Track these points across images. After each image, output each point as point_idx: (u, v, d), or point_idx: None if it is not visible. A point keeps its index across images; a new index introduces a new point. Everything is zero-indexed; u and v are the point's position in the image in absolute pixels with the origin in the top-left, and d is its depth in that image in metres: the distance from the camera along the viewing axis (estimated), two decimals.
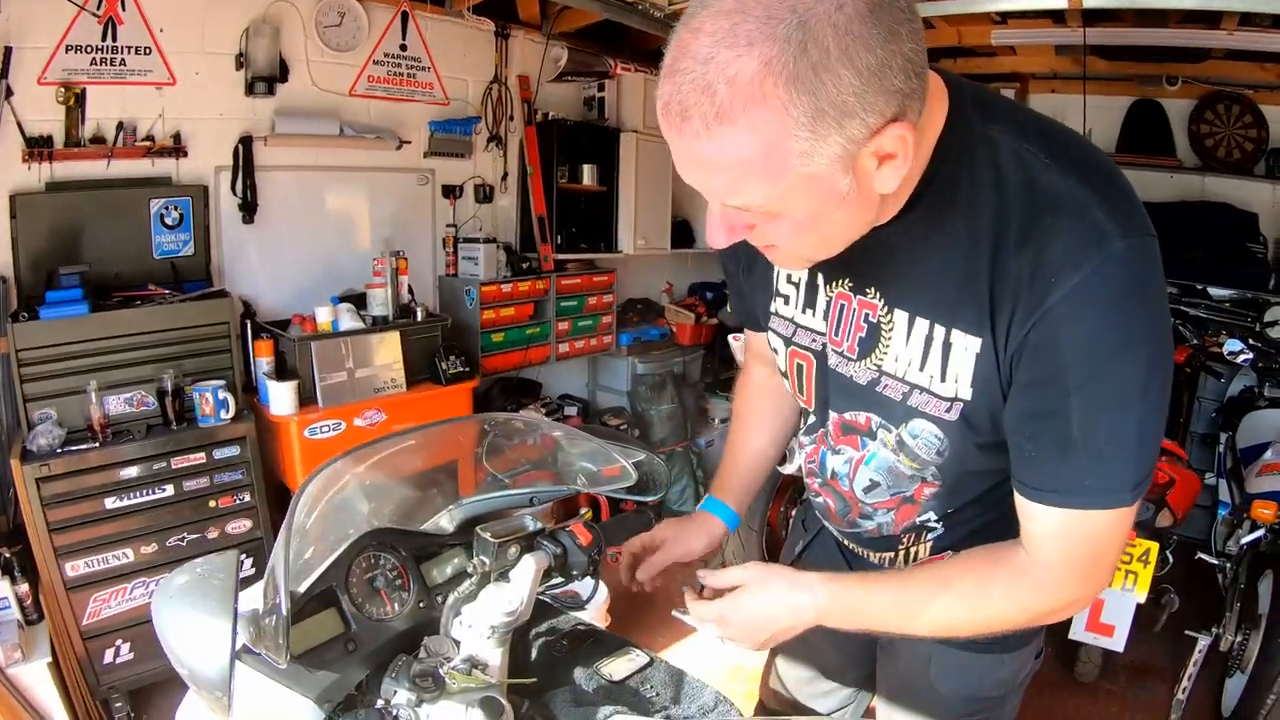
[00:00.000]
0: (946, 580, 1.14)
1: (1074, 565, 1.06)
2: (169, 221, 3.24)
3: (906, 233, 1.03)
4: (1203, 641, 2.92)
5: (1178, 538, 3.32)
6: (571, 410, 4.73)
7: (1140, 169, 5.25)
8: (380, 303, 3.61)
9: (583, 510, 1.48)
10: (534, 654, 1.40)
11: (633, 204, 4.86)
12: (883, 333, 1.12)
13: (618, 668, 1.37)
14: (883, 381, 1.15)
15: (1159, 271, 0.94)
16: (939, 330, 1.05)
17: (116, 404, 2.91)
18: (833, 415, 1.28)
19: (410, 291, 3.79)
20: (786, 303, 1.30)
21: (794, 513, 3.90)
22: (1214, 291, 4.97)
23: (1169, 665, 3.42)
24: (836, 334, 1.19)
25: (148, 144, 3.21)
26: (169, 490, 2.93)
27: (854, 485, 1.31)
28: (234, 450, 3.05)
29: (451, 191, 4.36)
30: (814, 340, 1.26)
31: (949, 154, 0.97)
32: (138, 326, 2.93)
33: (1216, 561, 3.36)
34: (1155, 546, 2.79)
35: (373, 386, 3.46)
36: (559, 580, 1.35)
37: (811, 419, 1.38)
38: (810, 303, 1.25)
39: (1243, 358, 3.95)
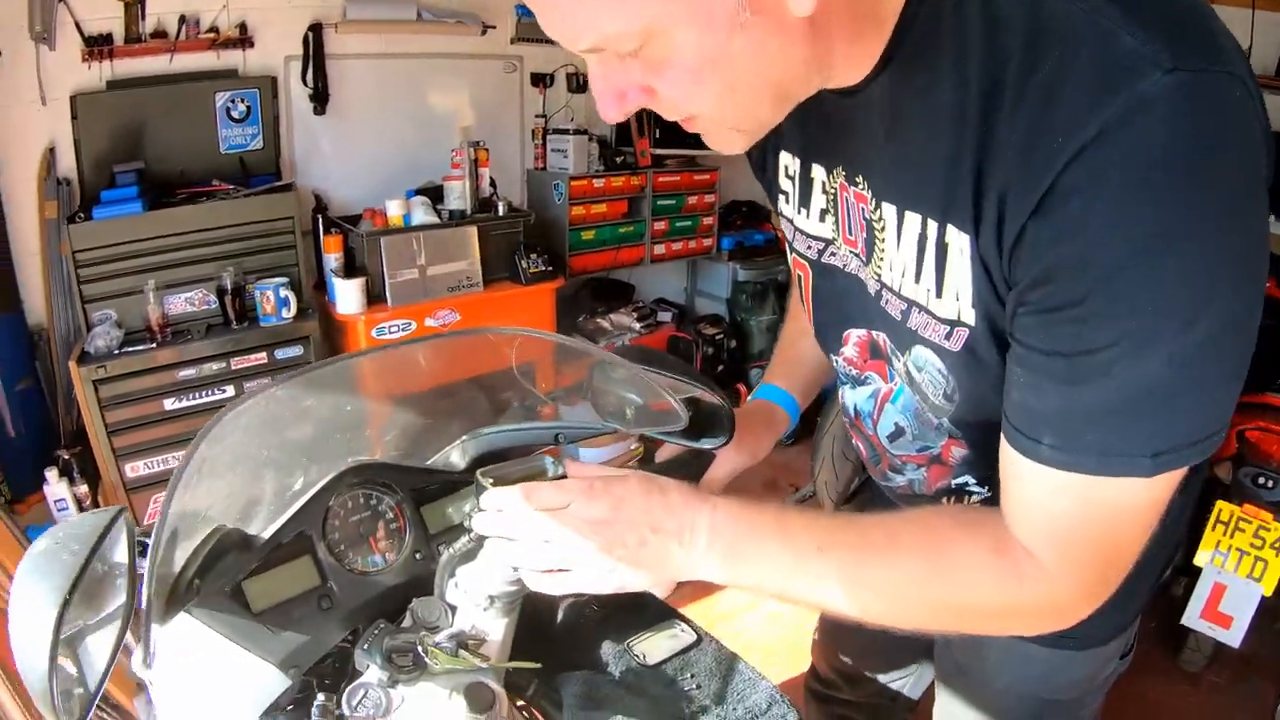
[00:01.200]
0: (892, 535, 0.85)
1: (1068, 550, 0.78)
2: (235, 115, 3.16)
3: (883, 99, 0.79)
4: None
5: None
6: (666, 316, 4.54)
7: None
8: (457, 196, 3.41)
9: (630, 445, 1.17)
10: (559, 617, 1.18)
11: None
12: (876, 233, 0.88)
13: (656, 646, 1.13)
14: (884, 295, 0.91)
15: (1240, 128, 0.62)
16: (931, 227, 0.79)
17: (176, 304, 2.88)
18: (855, 333, 1.03)
19: (492, 185, 3.59)
20: (786, 201, 1.07)
21: None
22: None
23: None
24: (851, 232, 0.95)
25: (212, 36, 3.08)
26: (229, 391, 2.89)
27: (879, 429, 1.09)
28: (297, 350, 2.98)
29: (541, 80, 4.09)
30: (809, 246, 1.04)
31: None
32: (197, 223, 2.89)
33: None
34: None
35: (446, 285, 3.31)
36: None
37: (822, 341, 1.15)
38: (805, 200, 1.02)
39: None
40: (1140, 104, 0.59)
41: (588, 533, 0.84)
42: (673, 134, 4.32)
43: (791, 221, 1.07)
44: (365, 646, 0.93)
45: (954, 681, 1.35)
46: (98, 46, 2.85)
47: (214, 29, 3.07)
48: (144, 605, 0.82)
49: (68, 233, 2.72)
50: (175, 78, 3.02)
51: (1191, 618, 2.66)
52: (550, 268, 3.61)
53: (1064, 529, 0.77)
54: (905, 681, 1.67)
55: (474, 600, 0.98)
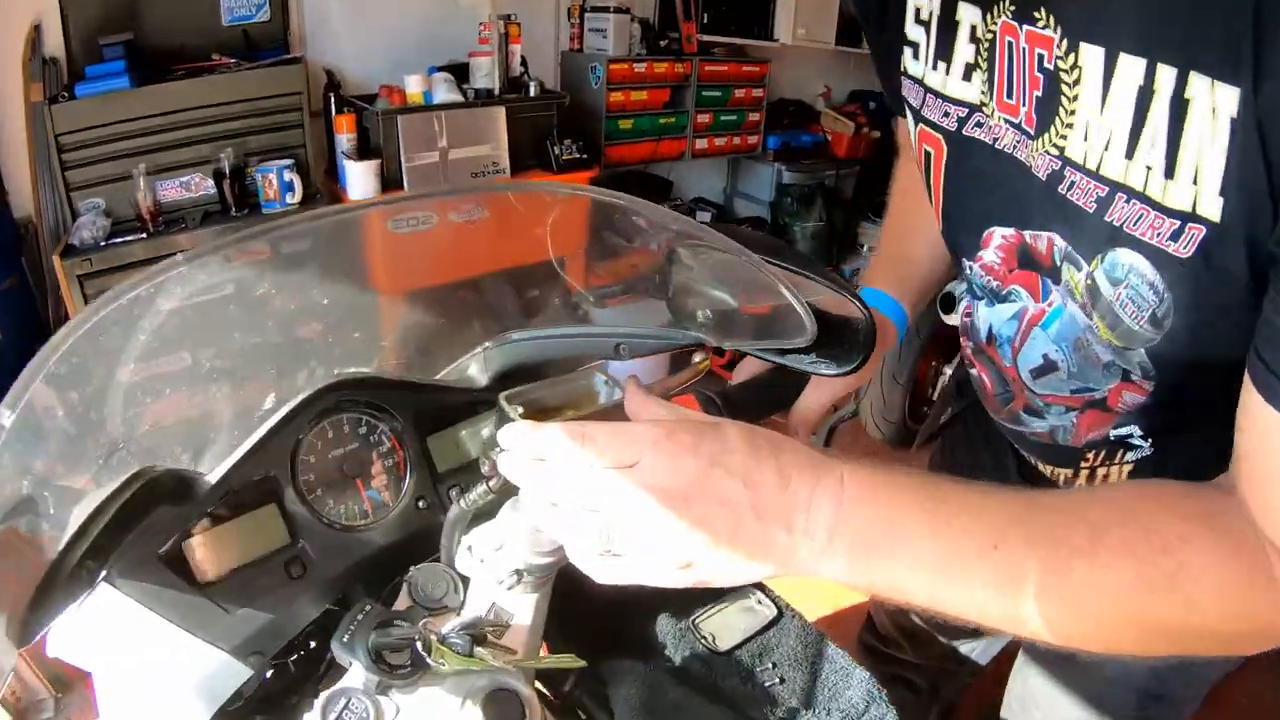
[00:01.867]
0: (1095, 532, 0.58)
1: None
2: None
3: None
4: None
5: None
6: (705, 216, 4.39)
7: None
8: (485, 74, 3.17)
9: (696, 359, 0.88)
10: None
11: None
12: (1064, 87, 0.67)
13: (728, 624, 0.88)
14: (1066, 176, 0.70)
15: None
16: (1164, 76, 0.59)
17: (171, 190, 2.70)
18: (1000, 232, 0.83)
19: (523, 64, 3.36)
20: (915, 55, 0.87)
21: (945, 373, 3.30)
22: None
23: None
24: (1009, 94, 0.74)
25: None
26: (227, 288, 2.58)
27: (1019, 360, 0.90)
28: None
29: None
30: (946, 114, 0.83)
31: None
32: (192, 101, 2.67)
33: None
34: None
35: (469, 171, 3.09)
36: None
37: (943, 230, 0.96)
38: (944, 51, 0.81)
39: None
40: None
41: (661, 506, 0.56)
42: (722, 20, 4.18)
43: (920, 81, 0.85)
44: (346, 639, 0.66)
45: (1048, 660, 1.20)
46: None
47: None
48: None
49: (49, 114, 2.51)
50: None
51: None
52: (585, 156, 3.42)
53: None
54: (977, 645, 1.54)
55: (494, 574, 0.72)
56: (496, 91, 3.20)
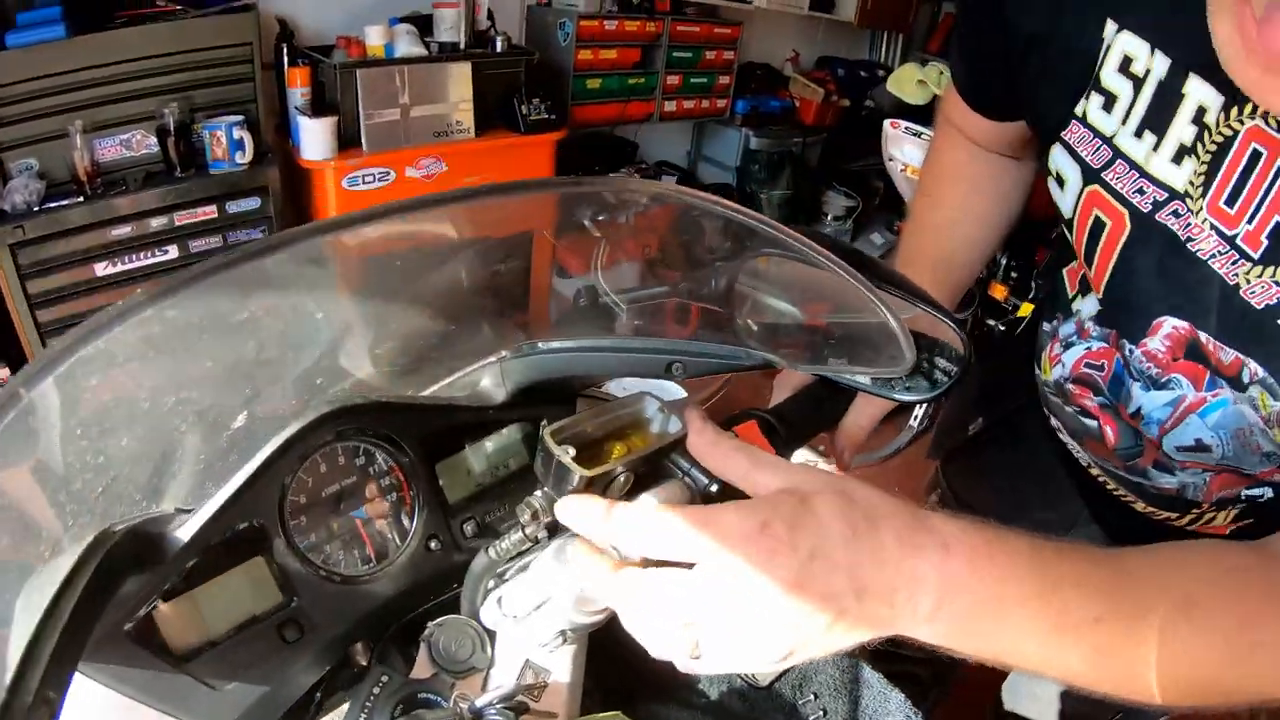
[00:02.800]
0: (1189, 602, 0.60)
1: None
2: None
3: None
4: None
5: None
6: (670, 179, 4.27)
7: None
8: (449, 26, 3.06)
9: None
10: None
11: None
12: None
13: None
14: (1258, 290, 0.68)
15: None
16: None
17: (110, 148, 2.51)
18: (1172, 323, 0.80)
19: (490, 18, 3.23)
20: (1108, 108, 0.78)
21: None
22: None
23: None
24: (1232, 203, 0.69)
25: None
26: (172, 252, 2.61)
27: (1165, 439, 0.87)
28: (253, 203, 2.68)
29: None
30: (1142, 190, 0.77)
31: None
32: (133, 51, 2.48)
33: None
34: None
35: (433, 129, 3.01)
36: None
37: (1088, 306, 0.92)
38: (1157, 122, 0.74)
39: None
40: None
41: (762, 613, 0.52)
42: None
43: (1110, 141, 0.78)
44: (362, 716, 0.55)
45: None
46: None
47: None
48: None
49: None
50: None
51: None
52: (553, 116, 3.32)
53: None
54: None
55: (532, 634, 0.62)
56: (462, 46, 3.09)
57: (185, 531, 0.55)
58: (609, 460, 0.58)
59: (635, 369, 0.71)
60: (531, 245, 0.93)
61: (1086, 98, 0.79)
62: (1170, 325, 0.79)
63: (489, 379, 0.76)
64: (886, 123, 3.40)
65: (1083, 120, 0.80)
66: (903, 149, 3.31)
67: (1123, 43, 0.74)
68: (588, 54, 3.69)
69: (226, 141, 2.55)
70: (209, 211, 2.63)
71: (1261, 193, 0.66)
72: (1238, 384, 0.76)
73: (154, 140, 2.54)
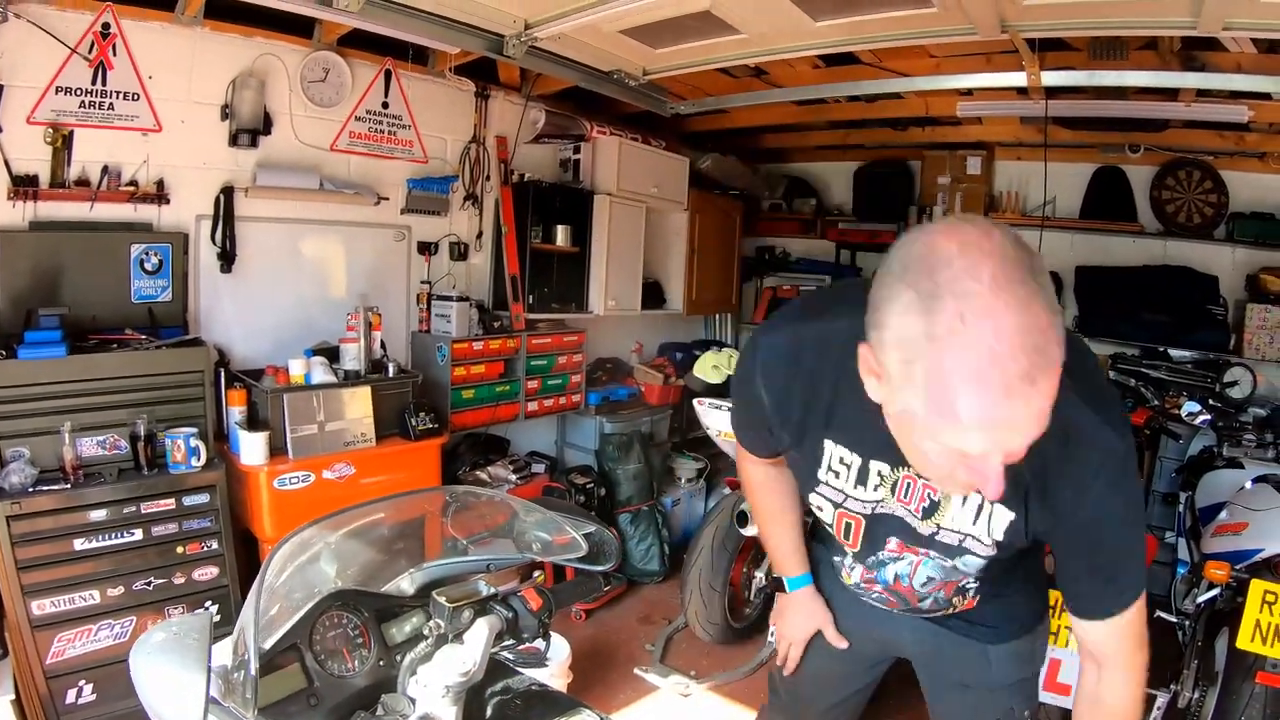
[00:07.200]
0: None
1: (1133, 643, 1.40)
2: (149, 267, 3.31)
3: None
4: (1161, 699, 2.95)
5: None
6: (539, 467, 4.74)
7: (1104, 234, 5.46)
8: (353, 357, 3.67)
9: (536, 574, 1.54)
10: (489, 712, 1.48)
11: (604, 265, 5.01)
12: (941, 505, 1.44)
13: None
14: (941, 533, 1.47)
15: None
16: (986, 505, 1.40)
17: (89, 446, 2.92)
18: (897, 539, 1.54)
19: (383, 347, 3.83)
20: (837, 477, 1.50)
21: (758, 575, 4.03)
22: (1175, 354, 5.10)
23: None
24: (906, 496, 1.46)
25: (131, 189, 3.28)
26: (138, 534, 2.96)
27: (914, 582, 1.60)
28: (203, 498, 3.09)
29: (427, 248, 4.45)
30: (864, 506, 1.51)
31: None
32: (114, 370, 2.98)
33: (1175, 619, 3.39)
34: None
35: (343, 440, 3.50)
36: (510, 642, 1.43)
37: (858, 553, 1.63)
38: (862, 480, 1.47)
39: (1201, 419, 4.08)
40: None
41: None
42: (545, 299, 4.77)
43: (843, 490, 1.51)
44: None
45: (953, 694, 1.83)
46: (23, 187, 3.00)
47: (134, 182, 3.28)
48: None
49: None
50: (95, 225, 3.19)
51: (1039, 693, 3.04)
52: (436, 425, 3.81)
53: (1128, 636, 1.39)
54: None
55: (434, 691, 1.30)
56: (363, 372, 3.64)
57: (267, 644, 1.25)
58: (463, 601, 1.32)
59: (469, 568, 1.48)
60: (425, 519, 1.71)
61: (824, 473, 1.50)
62: (897, 540, 1.54)
63: (405, 581, 1.50)
64: (694, 401, 4.03)
65: (825, 484, 1.52)
66: (711, 417, 3.92)
67: (833, 449, 1.46)
68: (461, 370, 4.25)
69: (185, 448, 2.98)
70: (168, 503, 3.00)
71: (916, 493, 1.44)
72: (928, 557, 1.52)
73: (125, 443, 2.98)
